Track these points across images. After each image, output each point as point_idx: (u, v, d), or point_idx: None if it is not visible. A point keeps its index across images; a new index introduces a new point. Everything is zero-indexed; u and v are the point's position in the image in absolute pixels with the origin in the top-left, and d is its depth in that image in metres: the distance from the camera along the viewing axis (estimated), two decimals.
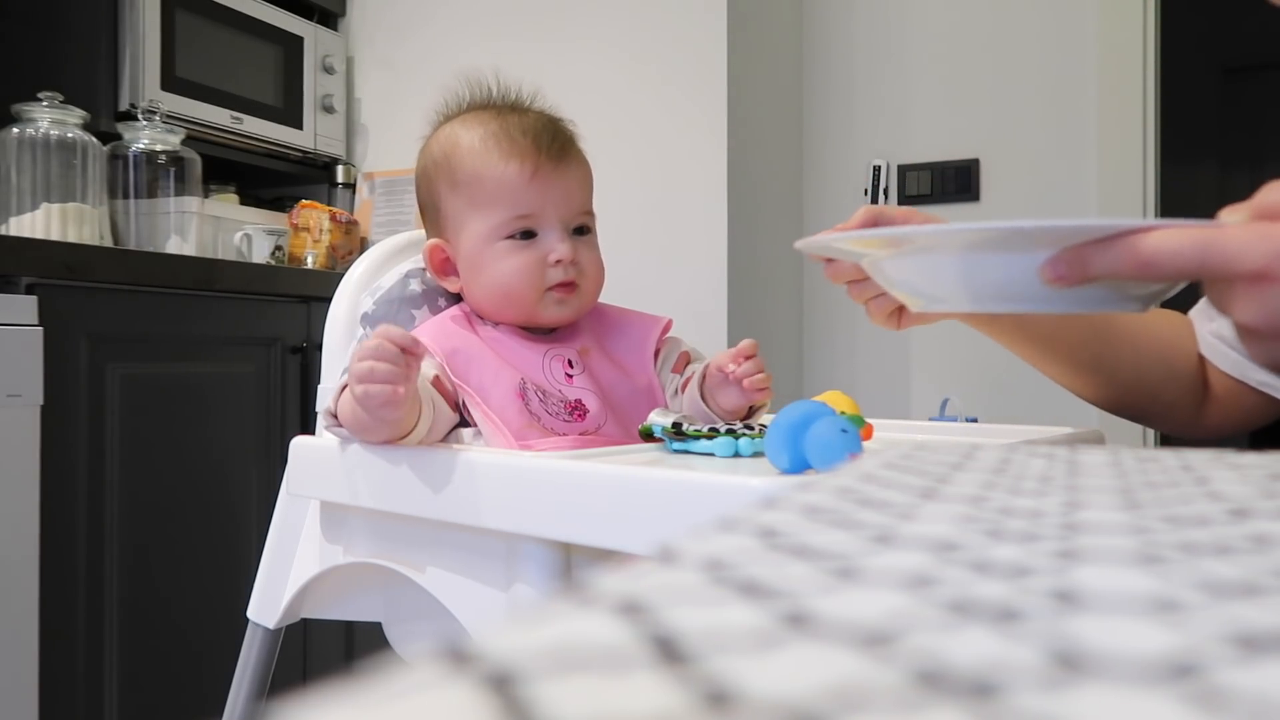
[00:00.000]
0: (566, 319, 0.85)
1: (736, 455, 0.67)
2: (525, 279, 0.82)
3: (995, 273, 0.55)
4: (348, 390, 0.70)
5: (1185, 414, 0.85)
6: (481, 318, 0.86)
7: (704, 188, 1.92)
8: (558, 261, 0.82)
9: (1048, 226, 0.52)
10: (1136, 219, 0.51)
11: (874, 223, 0.74)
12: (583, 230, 0.86)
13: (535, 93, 0.90)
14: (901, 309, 0.76)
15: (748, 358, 0.75)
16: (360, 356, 0.67)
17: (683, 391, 0.84)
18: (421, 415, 0.71)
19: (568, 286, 0.83)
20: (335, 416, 0.74)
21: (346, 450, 0.74)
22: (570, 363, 0.83)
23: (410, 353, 0.67)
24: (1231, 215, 0.52)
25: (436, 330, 0.82)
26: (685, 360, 0.88)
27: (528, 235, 0.83)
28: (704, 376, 0.80)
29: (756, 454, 0.67)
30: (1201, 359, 0.85)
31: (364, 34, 2.29)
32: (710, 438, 0.69)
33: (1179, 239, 0.49)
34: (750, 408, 0.80)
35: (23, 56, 1.79)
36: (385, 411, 0.67)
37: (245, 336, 1.62)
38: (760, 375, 0.75)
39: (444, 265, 0.87)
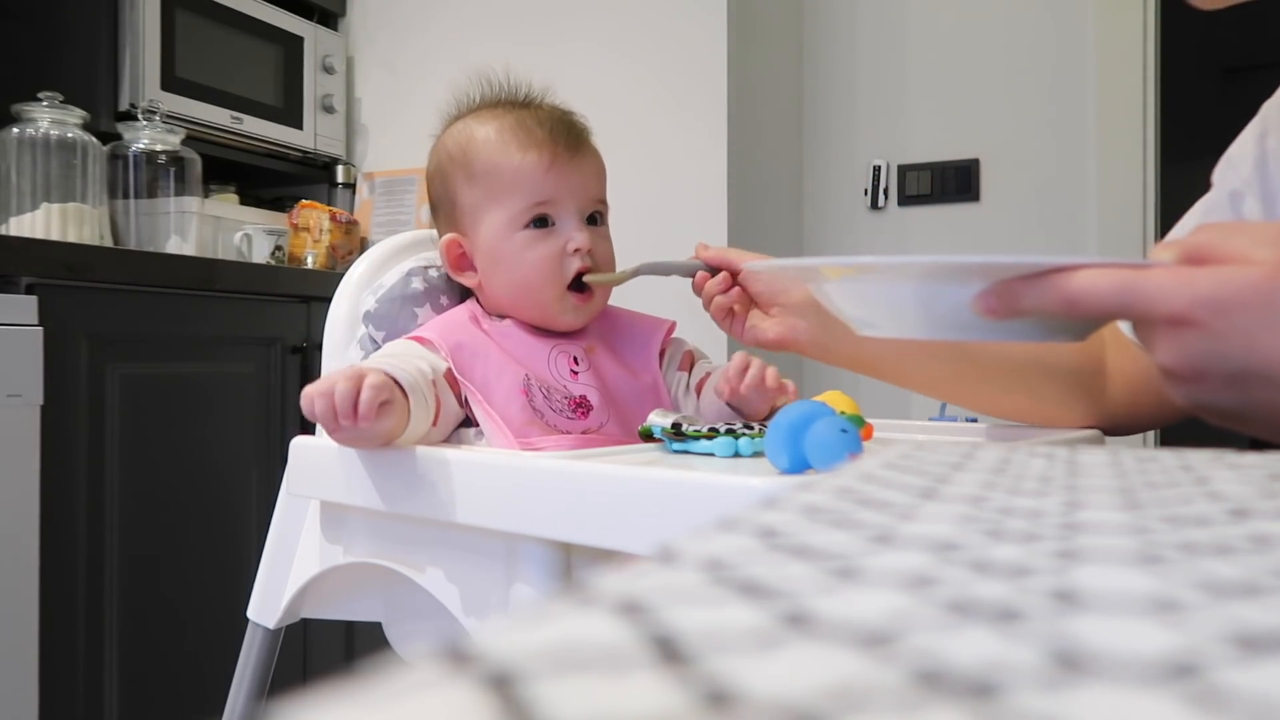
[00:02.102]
0: (582, 323, 0.86)
1: (736, 455, 0.67)
2: (545, 272, 0.83)
3: (931, 302, 0.57)
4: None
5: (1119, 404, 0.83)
6: (490, 314, 0.86)
7: (704, 188, 1.91)
8: (576, 250, 0.83)
9: (980, 262, 0.54)
10: (1068, 257, 0.52)
11: (719, 261, 0.85)
12: (596, 219, 0.86)
13: (546, 89, 0.90)
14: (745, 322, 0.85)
15: (742, 370, 0.77)
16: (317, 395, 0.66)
17: (697, 390, 0.85)
18: (413, 418, 0.71)
19: (585, 291, 0.84)
20: None
21: (346, 450, 0.74)
22: (575, 359, 0.84)
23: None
24: (1163, 254, 0.52)
25: (443, 326, 0.83)
26: (690, 360, 0.89)
27: (545, 222, 0.83)
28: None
29: (756, 454, 0.67)
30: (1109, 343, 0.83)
31: (364, 34, 2.29)
32: (710, 438, 0.69)
33: (1103, 280, 0.50)
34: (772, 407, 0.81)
35: (23, 56, 1.79)
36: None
37: (245, 336, 1.62)
38: (770, 371, 0.77)
39: (460, 260, 0.87)
